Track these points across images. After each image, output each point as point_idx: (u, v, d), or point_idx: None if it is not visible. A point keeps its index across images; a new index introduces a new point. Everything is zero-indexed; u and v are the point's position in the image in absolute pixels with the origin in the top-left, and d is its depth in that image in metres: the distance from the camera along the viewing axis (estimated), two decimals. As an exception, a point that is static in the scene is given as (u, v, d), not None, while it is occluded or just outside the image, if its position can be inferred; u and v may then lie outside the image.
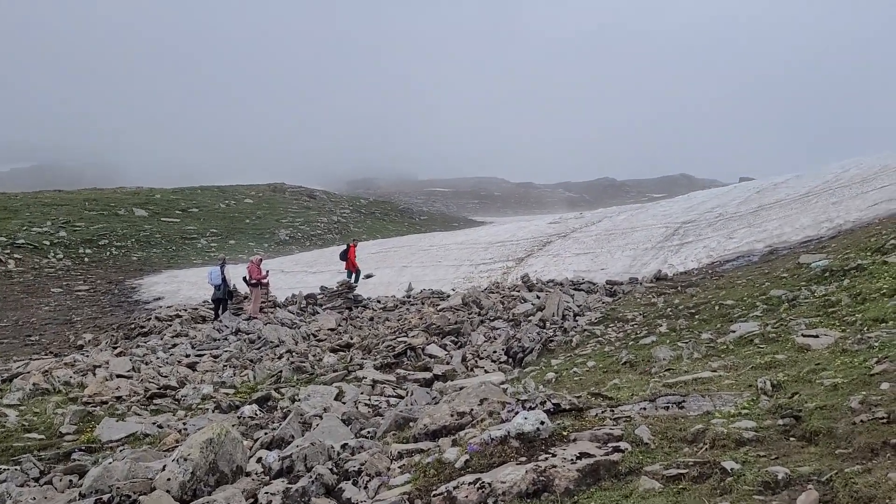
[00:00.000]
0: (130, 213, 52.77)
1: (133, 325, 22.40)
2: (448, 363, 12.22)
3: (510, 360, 12.25)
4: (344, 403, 10.18)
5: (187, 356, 13.51)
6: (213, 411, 9.70)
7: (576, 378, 9.39)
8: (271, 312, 18.63)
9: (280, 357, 12.77)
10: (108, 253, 43.82)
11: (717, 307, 11.96)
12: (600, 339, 12.26)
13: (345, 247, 28.77)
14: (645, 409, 6.03)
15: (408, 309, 17.78)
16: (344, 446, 6.71)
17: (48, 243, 43.03)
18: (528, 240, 26.77)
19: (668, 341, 10.53)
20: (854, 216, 17.82)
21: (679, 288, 15.37)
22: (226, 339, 16.13)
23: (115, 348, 19.01)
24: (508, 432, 5.39)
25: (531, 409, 5.95)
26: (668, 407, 5.99)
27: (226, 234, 51.30)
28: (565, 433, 5.50)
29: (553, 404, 5.96)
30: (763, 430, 5.05)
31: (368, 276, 26.73)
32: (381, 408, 9.75)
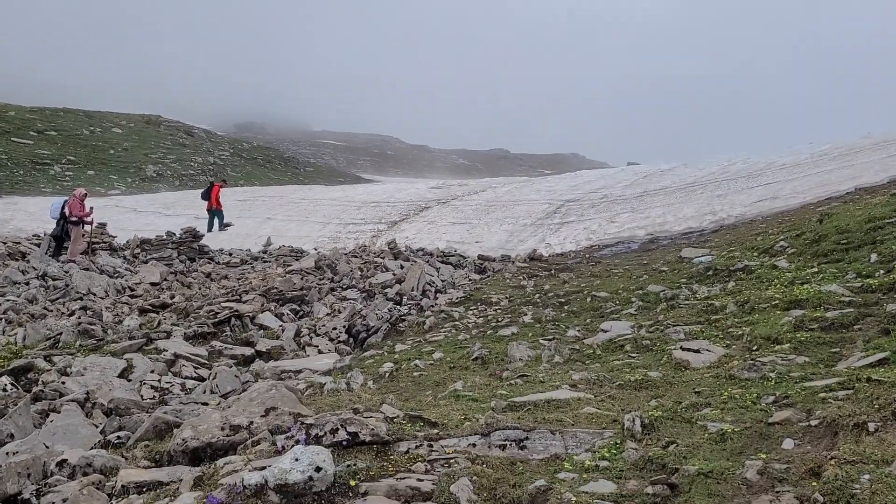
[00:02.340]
0: (-26, 129, 47.11)
1: (-67, 257, 19.02)
2: (278, 338, 10.34)
3: (351, 339, 10.51)
4: (129, 381, 8.16)
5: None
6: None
7: (415, 374, 7.76)
8: (94, 257, 16.04)
9: (72, 314, 10.49)
10: (-62, 171, 38.73)
11: (589, 298, 10.64)
12: (457, 323, 10.72)
13: (208, 185, 26.11)
14: (475, 445, 4.44)
15: (252, 268, 15.69)
16: (62, 464, 4.77)
17: None
18: (406, 203, 25.04)
19: (529, 335, 9.08)
20: (738, 211, 17.14)
21: (553, 271, 14.07)
22: (27, 283, 13.53)
23: None
24: (266, 481, 3.64)
25: (316, 438, 4.23)
26: (505, 445, 4.42)
27: (85, 164, 46.68)
28: (354, 483, 3.82)
29: (349, 434, 4.25)
30: (625, 499, 3.56)
31: (227, 226, 24.27)
32: (170, 392, 7.79)
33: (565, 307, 10.64)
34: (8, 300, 11.17)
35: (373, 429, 4.33)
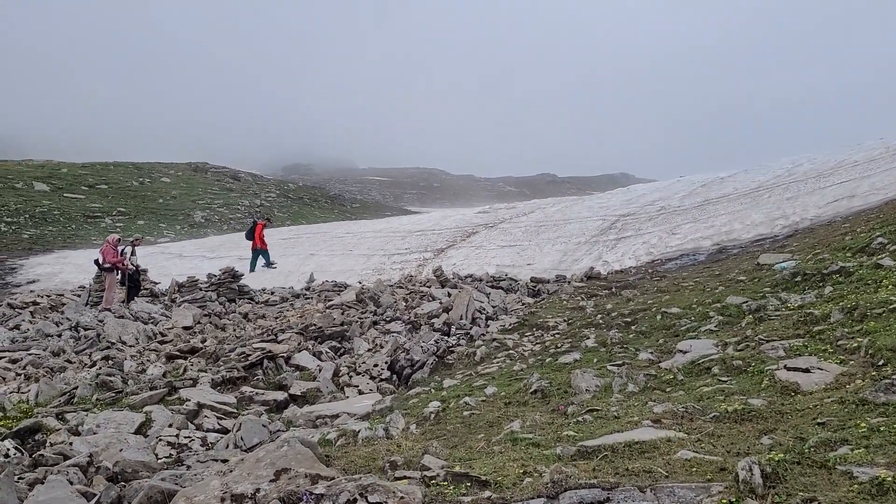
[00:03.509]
0: (29, 188, 48.08)
1: (-24, 313, 18.77)
2: (315, 379, 9.38)
3: (395, 376, 9.47)
4: (146, 437, 7.26)
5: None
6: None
7: (465, 413, 6.66)
8: (130, 304, 15.42)
9: (93, 365, 9.73)
10: (-6, 229, 39.39)
11: (659, 316, 9.42)
12: (512, 351, 9.60)
13: (252, 224, 25.53)
14: (539, 515, 3.35)
15: (291, 305, 14.83)
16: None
17: (-75, 216, 38.44)
18: (452, 230, 24.05)
19: (594, 361, 7.91)
20: (812, 213, 15.65)
21: (613, 289, 12.85)
22: (60, 335, 12.92)
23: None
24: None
25: (328, 514, 3.20)
26: (579, 512, 3.31)
27: (135, 214, 47.09)
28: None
29: (370, 506, 3.21)
30: None
31: (271, 265, 23.62)
32: (188, 449, 6.85)
33: (632, 327, 9.44)
34: (31, 354, 10.50)
35: (402, 497, 3.27)
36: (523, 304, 13.14)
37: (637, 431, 4.65)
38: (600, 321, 10.13)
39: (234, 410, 8.13)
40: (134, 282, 18.35)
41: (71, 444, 6.81)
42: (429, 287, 15.48)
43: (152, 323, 13.53)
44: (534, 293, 14.47)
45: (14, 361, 10.22)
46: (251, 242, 24.49)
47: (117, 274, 16.00)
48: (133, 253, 18.54)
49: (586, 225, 20.38)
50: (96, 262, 16.12)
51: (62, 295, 20.43)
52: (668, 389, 6.23)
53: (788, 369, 5.48)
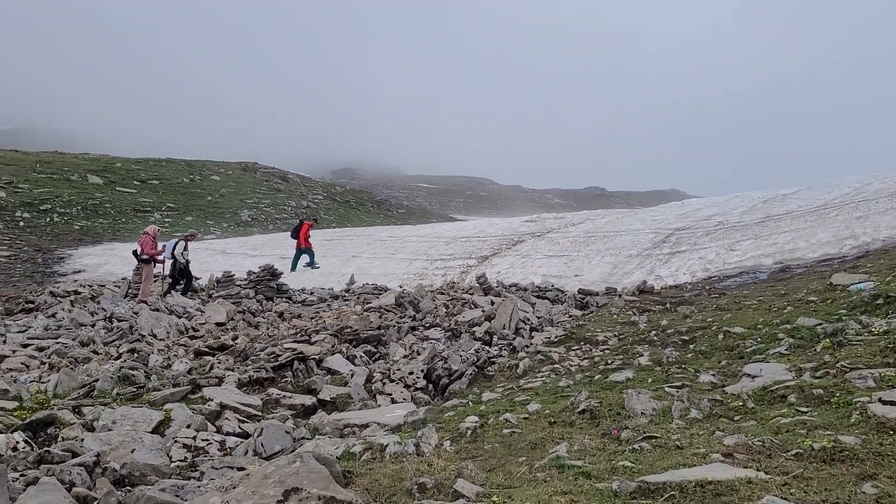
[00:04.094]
0: (83, 180, 48.96)
1: (19, 300, 18.81)
2: (346, 384, 8.84)
3: (431, 385, 8.88)
4: (163, 437, 6.79)
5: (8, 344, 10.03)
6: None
7: (505, 431, 6.02)
8: (166, 297, 15.14)
9: (118, 357, 9.35)
10: (48, 219, 40.05)
11: (720, 335, 8.64)
12: (557, 366, 8.92)
13: (298, 223, 25.19)
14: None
15: (329, 306, 14.36)
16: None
17: (-20, 204, 39.27)
18: (498, 237, 23.40)
19: (650, 381, 7.20)
20: (885, 234, 14.61)
21: (668, 305, 12.07)
22: (93, 325, 12.65)
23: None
24: None
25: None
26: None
27: (183, 210, 47.58)
28: None
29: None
30: None
31: (313, 266, 23.27)
32: (205, 453, 6.35)
33: (691, 346, 8.69)
34: (59, 343, 10.19)
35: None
36: (570, 316, 12.44)
37: (708, 468, 3.96)
38: (654, 338, 9.38)
39: (259, 413, 7.62)
40: (186, 276, 18.20)
41: (83, 440, 6.36)
42: (471, 294, 14.88)
43: (186, 317, 13.19)
44: (581, 305, 13.75)
45: (41, 349, 9.94)
46: (295, 241, 24.21)
47: (154, 266, 15.75)
48: (186, 248, 18.37)
49: (638, 237, 19.54)
50: (134, 252, 15.91)
51: (104, 286, 20.38)
52: (736, 418, 5.50)
53: (884, 403, 4.72)
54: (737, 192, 26.38)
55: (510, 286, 16.15)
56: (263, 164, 68.51)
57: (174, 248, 18.13)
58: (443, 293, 15.59)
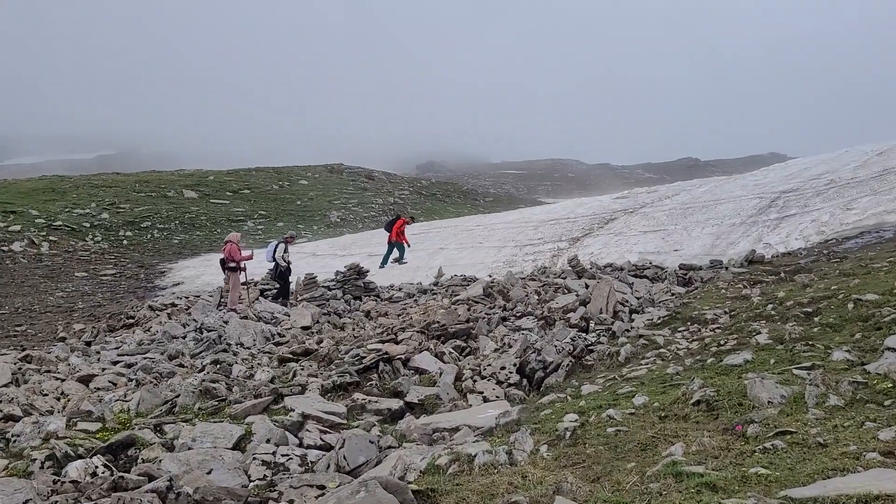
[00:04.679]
0: (179, 195, 50.63)
1: (121, 315, 19.32)
2: (434, 384, 8.31)
3: (525, 380, 8.23)
4: (244, 452, 6.44)
5: (91, 363, 10.01)
6: (26, 469, 6.10)
7: (608, 430, 5.32)
8: (252, 304, 15.06)
9: (202, 370, 9.13)
10: (149, 235, 41.56)
11: (850, 305, 7.62)
12: (663, 350, 8.10)
13: (394, 217, 24.68)
14: None
15: (415, 301, 13.90)
16: None
17: (88, 225, 41.04)
18: (588, 217, 22.43)
19: (772, 362, 6.32)
20: None
21: (783, 274, 10.96)
22: (185, 336, 12.66)
23: (88, 343, 15.93)
24: None
25: None
26: None
27: (274, 216, 48.50)
28: None
29: None
30: None
31: (401, 261, 22.92)
32: (285, 469, 5.94)
33: (815, 319, 7.69)
34: (147, 357, 10.12)
35: None
36: (673, 294, 11.51)
37: (867, 475, 3.17)
38: (772, 312, 8.41)
39: (343, 421, 7.17)
40: (285, 279, 18.18)
41: (161, 461, 6.07)
42: (564, 279, 14.10)
43: (274, 323, 13.02)
44: (684, 282, 12.76)
45: (129, 366, 9.89)
46: (388, 235, 23.63)
47: (242, 273, 15.71)
48: (286, 250, 18.33)
49: (741, 204, 18.19)
50: (222, 261, 15.92)
51: (199, 296, 20.68)
52: (887, 403, 4.61)
53: None
54: (845, 148, 24.37)
55: (605, 267, 15.28)
56: (349, 164, 69.21)
57: (274, 251, 18.12)
58: (534, 279, 14.88)
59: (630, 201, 23.59)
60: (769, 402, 5.09)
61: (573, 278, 13.84)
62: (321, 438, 6.50)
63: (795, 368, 5.79)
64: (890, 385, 4.84)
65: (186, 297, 20.79)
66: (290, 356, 9.47)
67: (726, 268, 12.90)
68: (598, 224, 21.06)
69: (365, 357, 8.80)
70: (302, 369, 8.76)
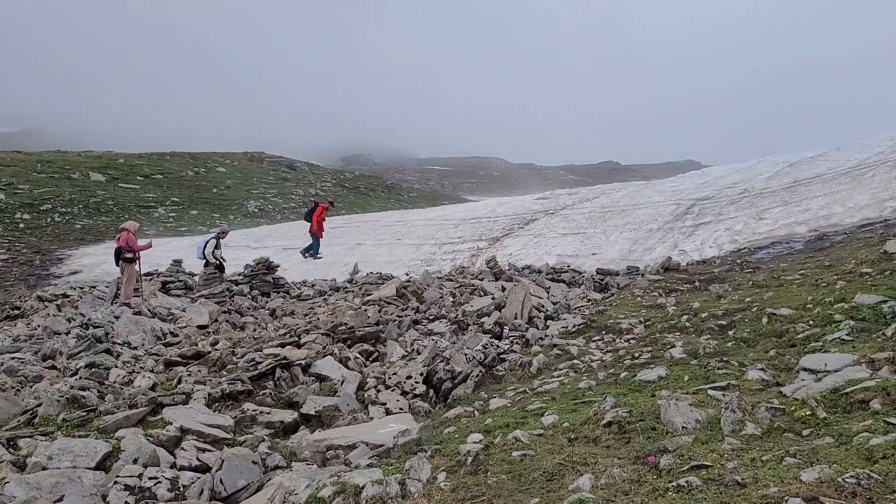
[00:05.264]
0: (85, 178, 48.11)
1: (5, 305, 17.89)
2: (335, 393, 7.74)
3: (431, 390, 7.75)
4: (108, 473, 5.71)
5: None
6: None
7: (514, 454, 4.87)
8: (150, 299, 14.07)
9: (75, 373, 8.25)
10: (48, 219, 39.25)
11: (764, 319, 7.44)
12: (576, 361, 7.76)
13: (313, 205, 23.70)
14: None
15: (325, 300, 13.24)
16: None
17: (-21, 207, 38.50)
18: (509, 217, 22.18)
19: (686, 380, 6.02)
20: (932, 193, 13.28)
21: (697, 283, 10.85)
22: (68, 332, 11.62)
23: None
24: None
25: None
26: None
27: (188, 205, 46.63)
28: None
29: None
30: None
31: (314, 255, 22.13)
32: (152, 497, 5.26)
33: (730, 332, 7.50)
34: (15, 357, 9.13)
35: None
36: (589, 300, 11.26)
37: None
38: (687, 324, 8.20)
39: (229, 436, 6.51)
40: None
41: (6, 484, 5.28)
42: (481, 280, 13.72)
43: (170, 320, 12.13)
44: (601, 287, 12.56)
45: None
46: (308, 225, 22.65)
47: (136, 265, 14.66)
48: (218, 246, 17.34)
49: (658, 210, 18.26)
50: (117, 252, 14.78)
51: (94, 287, 19.42)
52: (806, 433, 4.32)
53: None
54: (757, 158, 24.93)
55: (523, 269, 15.00)
56: (270, 153, 67.45)
57: (204, 247, 17.13)
58: (451, 279, 14.45)
59: (551, 202, 23.49)
60: (683, 427, 4.75)
61: (490, 280, 13.48)
62: (198, 458, 5.83)
63: (710, 388, 5.49)
64: (808, 413, 4.56)
65: (81, 288, 19.48)
66: (179, 359, 8.68)
67: (643, 274, 12.77)
68: (519, 224, 20.83)
69: (261, 362, 8.13)
70: (189, 375, 8.01)
